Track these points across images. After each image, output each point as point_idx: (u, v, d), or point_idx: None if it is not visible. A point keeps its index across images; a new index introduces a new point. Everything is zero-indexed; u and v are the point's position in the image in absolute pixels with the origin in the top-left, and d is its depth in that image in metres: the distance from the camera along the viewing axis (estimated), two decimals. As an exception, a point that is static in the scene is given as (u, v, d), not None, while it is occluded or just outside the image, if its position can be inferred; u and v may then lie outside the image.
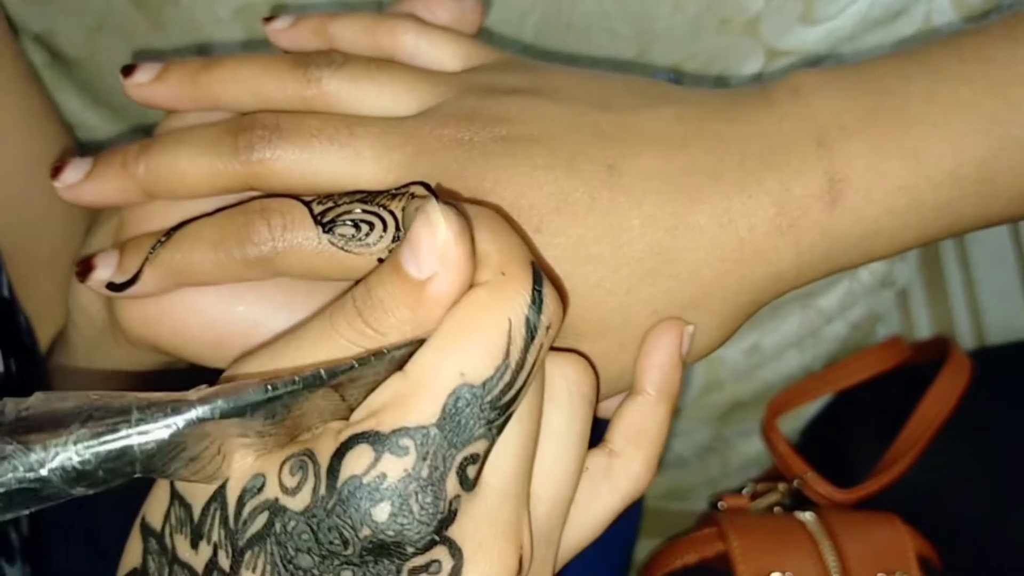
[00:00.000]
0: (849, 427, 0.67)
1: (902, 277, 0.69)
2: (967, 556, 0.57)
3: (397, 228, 0.31)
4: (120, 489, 0.29)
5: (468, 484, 0.26)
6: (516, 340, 0.26)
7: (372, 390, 0.27)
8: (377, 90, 0.33)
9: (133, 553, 0.29)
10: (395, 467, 0.25)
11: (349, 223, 0.31)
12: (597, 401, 0.32)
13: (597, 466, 0.32)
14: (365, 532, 0.25)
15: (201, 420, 0.24)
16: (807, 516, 0.56)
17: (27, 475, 0.23)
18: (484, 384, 0.26)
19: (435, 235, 0.25)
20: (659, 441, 0.32)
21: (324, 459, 0.26)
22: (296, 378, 0.25)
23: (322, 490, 0.26)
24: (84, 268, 0.32)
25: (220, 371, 0.30)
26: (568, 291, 0.31)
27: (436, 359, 0.26)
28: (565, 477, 0.30)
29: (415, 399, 0.26)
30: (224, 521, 0.27)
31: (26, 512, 0.24)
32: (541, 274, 0.27)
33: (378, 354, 0.26)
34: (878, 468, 0.61)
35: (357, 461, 0.26)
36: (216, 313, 0.32)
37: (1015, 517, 0.58)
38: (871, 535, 0.54)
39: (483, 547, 0.27)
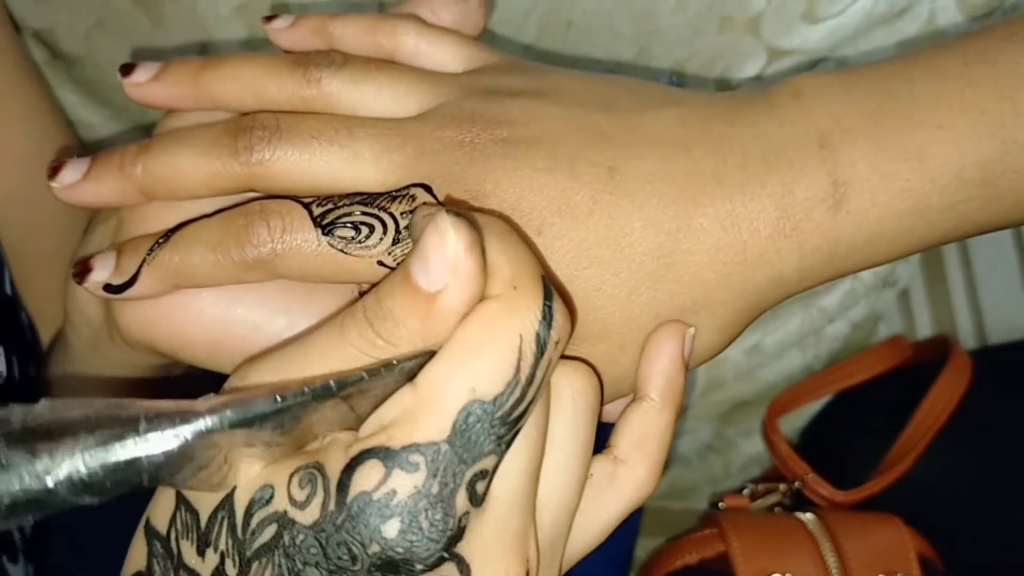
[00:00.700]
0: (850, 427, 0.67)
1: (904, 276, 0.69)
2: (968, 556, 0.57)
3: (397, 230, 0.31)
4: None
5: (477, 500, 0.26)
6: (527, 356, 0.26)
7: (381, 401, 0.27)
8: (377, 91, 0.33)
9: (137, 555, 0.29)
10: (405, 483, 0.25)
11: (349, 225, 0.31)
12: (601, 408, 0.31)
13: (602, 473, 0.32)
14: (374, 548, 0.25)
15: (209, 431, 0.24)
16: (808, 516, 0.56)
17: (33, 485, 0.23)
18: (495, 400, 0.26)
19: (445, 246, 0.25)
20: (663, 447, 0.32)
21: (334, 473, 0.26)
22: (305, 389, 0.25)
23: (331, 505, 0.26)
24: (81, 270, 0.32)
25: (222, 375, 0.30)
26: (569, 294, 0.31)
27: (447, 373, 0.26)
28: (570, 486, 0.30)
29: (426, 414, 0.26)
30: (232, 530, 0.27)
31: (31, 518, 0.24)
32: (551, 289, 0.27)
33: (388, 365, 0.26)
34: (879, 469, 0.61)
35: (367, 477, 0.25)
36: (215, 315, 0.32)
37: (1017, 516, 0.58)
38: (872, 536, 0.54)
39: (491, 562, 0.27)
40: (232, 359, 0.32)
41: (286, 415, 0.25)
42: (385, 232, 0.31)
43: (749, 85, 0.55)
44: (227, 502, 0.27)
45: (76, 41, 0.54)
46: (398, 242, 0.31)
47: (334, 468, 0.26)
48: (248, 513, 0.27)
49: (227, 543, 0.27)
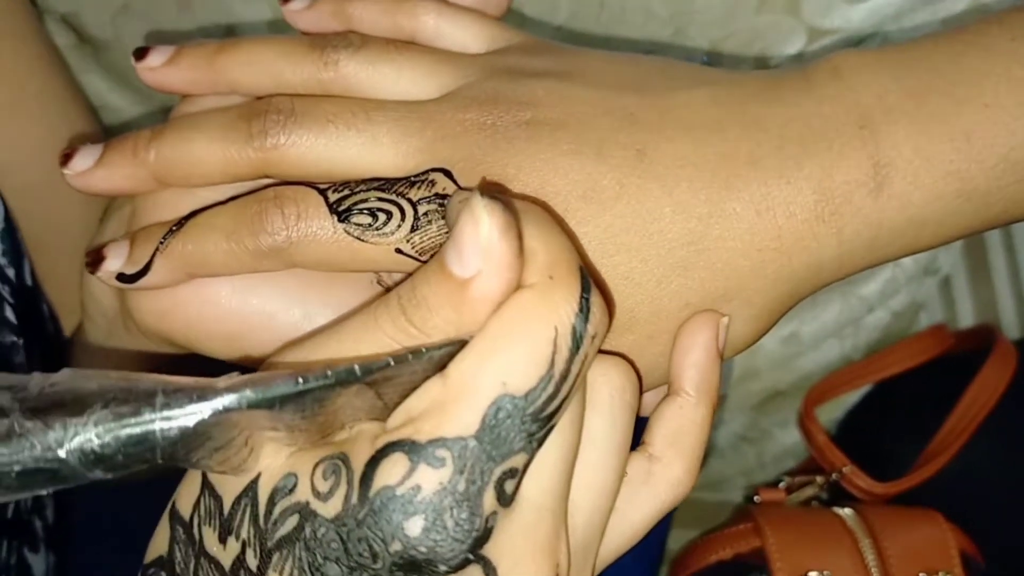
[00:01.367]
0: (890, 418, 0.66)
1: (946, 264, 0.68)
2: (1012, 552, 0.56)
3: (416, 217, 0.30)
4: (150, 478, 0.28)
5: (506, 500, 0.25)
6: (561, 350, 0.25)
7: (410, 391, 0.26)
8: (396, 73, 0.32)
9: (160, 540, 0.28)
10: (430, 479, 0.24)
11: (366, 212, 0.30)
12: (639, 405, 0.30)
13: (637, 471, 0.30)
14: (396, 547, 0.24)
15: (228, 409, 0.24)
16: (846, 512, 0.55)
17: (45, 454, 0.23)
18: (527, 395, 0.25)
19: (479, 230, 0.24)
20: (700, 444, 0.31)
21: (358, 465, 0.25)
22: (329, 372, 0.24)
23: (354, 498, 0.25)
24: (94, 259, 0.31)
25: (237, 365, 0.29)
26: (608, 287, 0.30)
27: (478, 365, 0.25)
28: (605, 487, 0.29)
29: (454, 407, 0.25)
30: (254, 519, 0.26)
31: (43, 492, 0.23)
32: (589, 280, 0.26)
33: (416, 353, 0.25)
34: (920, 460, 0.60)
35: (391, 471, 0.25)
36: (230, 305, 0.31)
37: (1062, 512, 0.57)
38: (912, 532, 0.53)
39: (519, 565, 0.26)
40: (248, 350, 0.32)
41: (308, 398, 0.24)
42: (403, 219, 0.30)
43: (788, 64, 0.53)
44: (251, 489, 0.26)
45: (102, 25, 0.54)
46: (416, 229, 0.30)
47: (359, 460, 0.25)
48: (271, 502, 0.26)
49: (249, 532, 0.26)
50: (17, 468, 0.23)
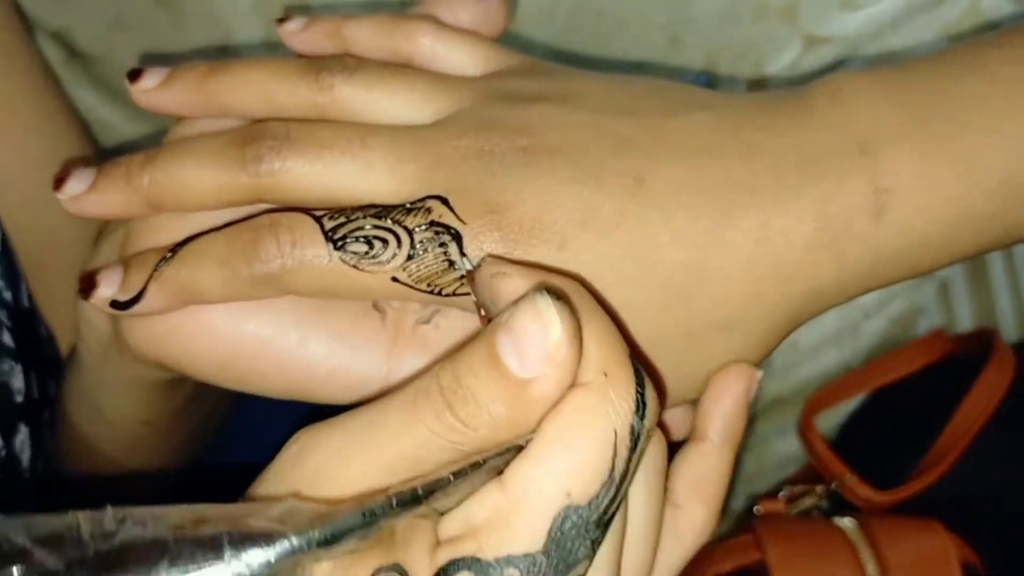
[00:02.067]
0: (889, 425, 0.66)
1: (944, 270, 0.68)
2: (1014, 561, 0.56)
3: (412, 245, 0.29)
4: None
5: None
6: (621, 452, 0.24)
7: (465, 497, 0.25)
8: (391, 97, 0.32)
9: None
10: None
11: (362, 240, 0.29)
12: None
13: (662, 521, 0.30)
14: None
15: (296, 552, 0.23)
16: (847, 523, 0.55)
17: None
18: (590, 503, 0.24)
19: (547, 335, 0.23)
20: (722, 490, 0.31)
21: None
22: (393, 500, 0.24)
23: None
24: (87, 285, 0.31)
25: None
26: (657, 371, 0.30)
27: (539, 473, 0.24)
28: (644, 559, 0.28)
29: (519, 521, 0.24)
30: None
31: None
32: (643, 373, 0.25)
33: (475, 465, 0.25)
34: (920, 467, 0.60)
35: None
36: (225, 332, 0.31)
37: (1063, 518, 0.56)
38: (913, 543, 0.53)
39: None
40: (242, 376, 0.31)
41: (372, 528, 0.24)
42: (400, 247, 0.29)
43: (784, 80, 0.53)
44: None
45: (94, 40, 0.54)
46: (412, 258, 0.29)
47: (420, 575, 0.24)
48: None
49: None
50: None
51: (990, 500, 0.59)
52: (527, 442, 0.25)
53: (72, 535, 0.22)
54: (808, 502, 0.60)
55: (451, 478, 0.24)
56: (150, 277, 0.30)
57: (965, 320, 0.70)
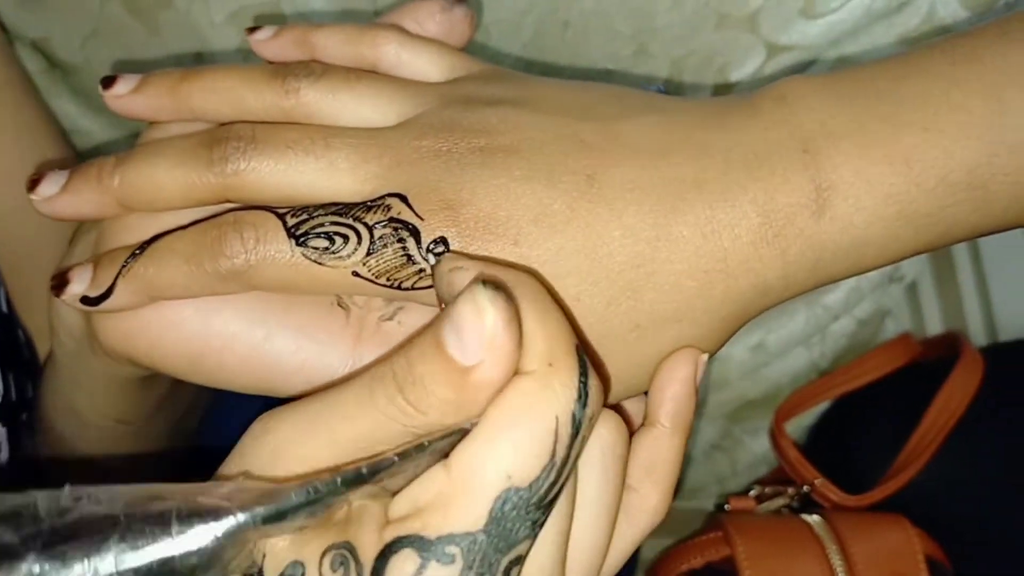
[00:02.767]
0: (859, 429, 0.66)
1: (910, 272, 0.69)
2: (978, 558, 0.57)
3: (372, 241, 0.30)
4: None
5: None
6: (562, 437, 0.25)
7: (413, 477, 0.26)
8: (356, 100, 0.33)
9: None
10: None
11: (323, 236, 0.30)
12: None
13: None
14: None
15: (242, 528, 0.24)
16: (814, 519, 0.56)
17: None
18: (530, 486, 0.25)
19: (482, 322, 0.24)
20: (674, 472, 0.32)
21: (367, 559, 0.25)
22: (338, 479, 0.25)
23: None
24: (59, 282, 0.32)
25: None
26: (603, 362, 0.31)
27: (482, 457, 0.25)
28: (598, 544, 0.30)
29: (461, 502, 0.25)
30: None
31: None
32: (587, 363, 0.26)
33: (419, 447, 0.26)
34: (890, 471, 0.61)
35: (402, 567, 0.25)
36: (193, 327, 0.32)
37: (1029, 517, 0.57)
38: (879, 537, 0.54)
39: None
40: (211, 371, 0.32)
41: (318, 504, 0.25)
42: (359, 242, 0.30)
43: (748, 87, 0.54)
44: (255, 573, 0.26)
45: (72, 50, 0.54)
46: (372, 253, 0.30)
47: (367, 553, 0.25)
48: None
49: None
50: None
51: (959, 502, 0.59)
52: (472, 425, 0.26)
53: (29, 512, 0.23)
54: (779, 503, 0.61)
55: (396, 459, 0.25)
56: (119, 273, 0.31)
57: (933, 321, 0.71)
